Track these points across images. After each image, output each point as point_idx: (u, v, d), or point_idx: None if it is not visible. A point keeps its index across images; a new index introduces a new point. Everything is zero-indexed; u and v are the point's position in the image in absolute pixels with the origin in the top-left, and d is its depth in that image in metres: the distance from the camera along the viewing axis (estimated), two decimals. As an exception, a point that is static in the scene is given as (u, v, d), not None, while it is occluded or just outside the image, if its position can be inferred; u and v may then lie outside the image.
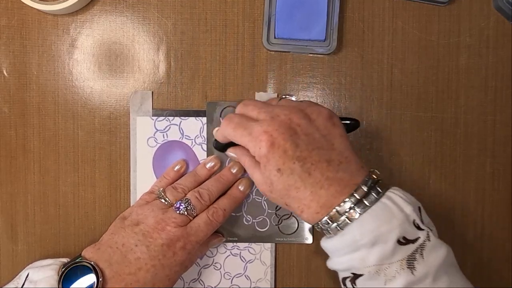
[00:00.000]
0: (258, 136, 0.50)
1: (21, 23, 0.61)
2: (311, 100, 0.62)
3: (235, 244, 0.62)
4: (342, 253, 0.48)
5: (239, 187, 0.60)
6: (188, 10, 0.61)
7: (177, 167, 0.61)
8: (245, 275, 0.62)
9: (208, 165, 0.60)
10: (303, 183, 0.49)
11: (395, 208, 0.47)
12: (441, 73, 0.62)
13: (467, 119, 0.62)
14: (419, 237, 0.47)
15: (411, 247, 0.46)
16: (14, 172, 0.62)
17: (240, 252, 0.62)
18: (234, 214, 0.62)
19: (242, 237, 0.62)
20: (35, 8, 0.59)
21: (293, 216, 0.62)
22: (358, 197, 0.48)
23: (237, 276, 0.62)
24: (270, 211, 0.62)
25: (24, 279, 0.54)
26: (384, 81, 0.62)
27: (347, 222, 0.48)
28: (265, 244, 0.62)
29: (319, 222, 0.49)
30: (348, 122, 0.56)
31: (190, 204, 0.57)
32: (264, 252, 0.62)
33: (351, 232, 0.47)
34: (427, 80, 0.62)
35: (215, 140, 0.58)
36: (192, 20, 0.62)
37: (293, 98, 0.59)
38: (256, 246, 0.62)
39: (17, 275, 0.56)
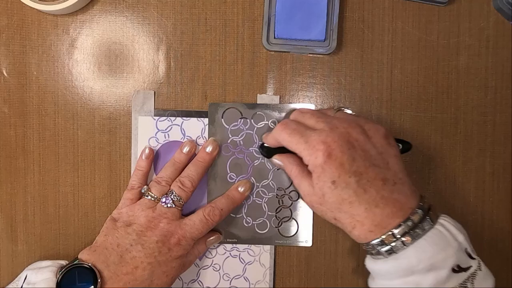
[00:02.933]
0: (316, 145, 0.49)
1: (21, 23, 0.62)
2: (311, 100, 0.62)
3: (234, 245, 0.62)
4: (394, 276, 0.48)
5: (239, 189, 0.60)
6: (188, 10, 0.62)
7: (144, 155, 0.60)
8: (244, 277, 0.62)
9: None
10: (358, 199, 0.48)
11: (449, 236, 0.48)
12: (441, 73, 0.62)
13: (467, 119, 0.62)
14: (471, 266, 0.47)
15: (463, 275, 0.47)
16: (14, 172, 0.62)
17: (240, 254, 0.62)
18: (234, 216, 0.62)
19: (242, 239, 0.62)
20: (35, 8, 0.59)
21: (293, 218, 0.62)
22: (414, 222, 0.47)
23: (236, 277, 0.62)
24: (270, 213, 0.62)
25: (22, 281, 0.54)
26: (384, 81, 0.62)
27: (402, 247, 0.47)
28: (264, 246, 0.62)
29: (370, 242, 0.49)
30: (400, 144, 0.56)
31: (175, 196, 0.57)
32: (263, 254, 0.62)
33: (407, 257, 0.47)
34: (427, 80, 0.62)
35: (262, 144, 0.59)
36: (192, 20, 0.62)
37: (349, 111, 0.58)
38: (255, 248, 0.62)
39: (17, 276, 0.57)
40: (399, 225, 0.47)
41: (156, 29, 0.62)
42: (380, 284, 0.50)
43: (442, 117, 0.62)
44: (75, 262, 0.54)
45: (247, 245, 0.62)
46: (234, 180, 0.61)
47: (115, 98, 0.62)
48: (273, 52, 0.61)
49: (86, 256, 0.55)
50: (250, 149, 0.61)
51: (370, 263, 0.50)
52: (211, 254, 0.62)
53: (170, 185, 0.58)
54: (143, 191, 0.59)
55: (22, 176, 0.62)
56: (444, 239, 0.47)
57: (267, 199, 0.62)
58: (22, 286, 0.54)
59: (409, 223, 0.47)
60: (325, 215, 0.51)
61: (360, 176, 0.48)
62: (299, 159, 0.53)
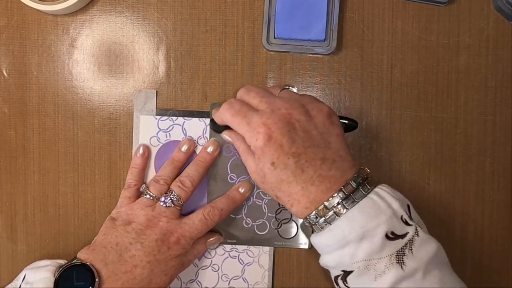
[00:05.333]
0: (256, 127, 0.50)
1: (21, 23, 0.61)
2: (311, 100, 0.62)
3: (234, 246, 0.62)
4: (331, 248, 0.49)
5: (240, 190, 0.60)
6: (187, 10, 0.62)
7: (140, 152, 0.60)
8: (242, 278, 0.62)
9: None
10: (295, 179, 0.49)
11: (382, 204, 0.48)
12: (441, 73, 0.62)
13: (467, 119, 0.62)
14: (408, 232, 0.47)
15: (400, 242, 0.47)
16: (14, 172, 0.62)
17: (239, 255, 0.62)
18: (234, 216, 0.62)
19: (241, 240, 0.62)
20: (35, 8, 0.59)
21: (293, 220, 0.62)
22: (346, 192, 0.48)
23: (234, 278, 0.62)
24: (270, 214, 0.62)
25: (21, 281, 0.54)
26: (383, 81, 0.62)
27: (335, 217, 0.48)
28: (263, 247, 0.62)
29: (308, 217, 0.50)
30: (346, 122, 0.56)
31: (174, 195, 0.57)
32: (262, 255, 0.62)
33: (339, 227, 0.48)
34: (427, 80, 0.62)
35: (212, 120, 0.58)
36: (192, 20, 0.62)
37: (295, 90, 0.59)
38: (254, 249, 0.62)
39: (17, 276, 0.57)
40: (332, 197, 0.48)
41: (156, 29, 0.62)
42: (323, 260, 0.51)
43: (442, 117, 0.62)
44: (73, 261, 0.54)
45: (247, 246, 0.62)
46: (234, 180, 0.62)
47: (115, 98, 0.62)
48: (273, 52, 0.61)
49: (84, 255, 0.55)
50: (250, 149, 0.61)
51: (313, 238, 0.51)
52: (210, 254, 0.62)
53: (168, 184, 0.58)
54: (141, 189, 0.59)
55: (22, 176, 0.62)
56: (376, 207, 0.48)
57: (267, 200, 0.62)
58: (20, 285, 0.54)
59: (341, 194, 0.48)
60: (269, 193, 0.52)
61: (299, 157, 0.49)
62: None
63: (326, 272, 0.62)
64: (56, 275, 0.54)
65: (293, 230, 0.62)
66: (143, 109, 0.62)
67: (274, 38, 0.60)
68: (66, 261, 0.56)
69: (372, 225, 0.47)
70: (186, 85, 0.62)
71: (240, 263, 0.62)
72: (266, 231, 0.62)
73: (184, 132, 0.62)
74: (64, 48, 0.62)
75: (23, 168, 0.62)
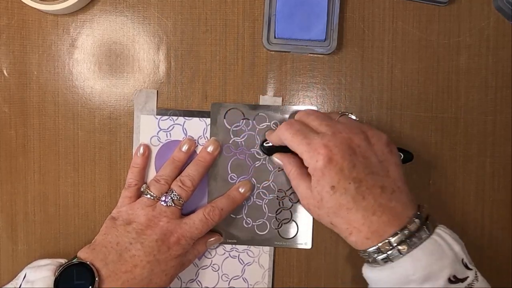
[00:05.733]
0: (317, 148, 0.49)
1: (21, 23, 0.61)
2: (311, 100, 0.62)
3: (234, 246, 0.62)
4: (389, 285, 0.48)
5: (240, 189, 0.60)
6: (188, 10, 0.61)
7: (140, 152, 0.60)
8: (242, 278, 0.62)
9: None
10: (355, 205, 0.48)
11: (445, 246, 0.47)
12: (441, 73, 0.62)
13: (467, 119, 0.62)
14: (468, 277, 0.47)
15: (460, 286, 0.47)
16: (14, 172, 0.62)
17: (239, 255, 0.62)
18: (234, 216, 0.62)
19: (242, 240, 0.62)
20: (35, 8, 0.59)
21: (293, 220, 0.62)
22: (411, 231, 0.47)
23: (234, 278, 0.62)
24: (270, 214, 0.62)
25: (22, 280, 0.54)
26: (384, 81, 0.62)
27: (398, 255, 0.47)
28: (264, 247, 0.62)
29: (367, 250, 0.49)
30: (402, 155, 0.56)
31: (175, 195, 0.57)
32: (262, 255, 0.62)
33: (402, 266, 0.47)
34: (427, 80, 0.62)
35: (264, 142, 0.59)
36: (192, 20, 0.62)
37: (353, 117, 0.58)
38: (255, 249, 0.62)
39: (17, 275, 0.57)
40: (396, 234, 0.47)
41: (157, 29, 0.62)
42: None
43: (442, 117, 0.62)
44: (73, 260, 0.54)
45: (247, 246, 0.62)
46: (235, 180, 0.62)
47: (116, 98, 0.62)
48: (273, 52, 0.61)
49: (84, 255, 0.55)
50: (251, 150, 0.61)
51: (367, 271, 0.50)
52: (210, 254, 0.62)
53: (169, 184, 0.58)
54: (142, 189, 0.59)
55: (23, 175, 0.62)
56: (440, 249, 0.47)
57: (267, 200, 0.62)
58: (21, 285, 0.54)
59: (406, 231, 0.47)
60: (322, 219, 0.51)
61: (360, 183, 0.48)
62: (300, 160, 0.53)
63: (326, 272, 0.63)
64: (56, 274, 0.54)
65: (293, 230, 0.62)
66: (143, 108, 0.62)
67: (275, 38, 0.60)
68: (66, 260, 0.56)
69: (436, 268, 0.46)
70: (186, 85, 0.62)
71: (240, 263, 0.62)
72: (267, 231, 0.62)
73: (185, 131, 0.62)
74: (64, 48, 0.62)
75: (23, 167, 0.62)
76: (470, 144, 0.62)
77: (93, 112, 0.62)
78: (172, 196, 0.57)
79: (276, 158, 0.57)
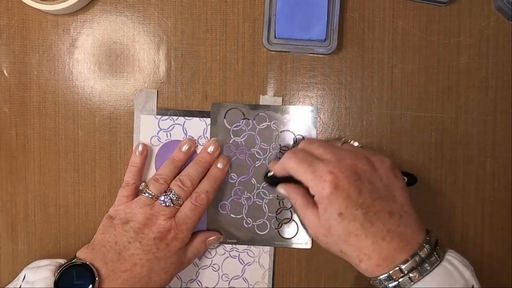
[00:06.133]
0: (323, 175, 0.49)
1: (22, 23, 0.61)
2: (311, 99, 0.62)
3: (234, 246, 0.62)
4: None
5: (218, 165, 0.60)
6: (188, 10, 0.61)
7: (138, 150, 0.60)
8: (243, 278, 0.62)
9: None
10: (364, 231, 0.48)
11: (456, 273, 0.47)
12: (441, 73, 0.62)
13: (467, 119, 0.62)
14: None
15: None
16: (14, 172, 0.62)
17: (239, 254, 0.62)
18: (234, 216, 0.62)
19: (242, 240, 0.62)
20: (35, 8, 0.59)
21: (293, 220, 0.62)
22: (421, 257, 0.47)
23: (235, 278, 0.62)
24: (270, 214, 0.62)
25: (21, 280, 0.54)
26: (384, 81, 0.62)
27: (409, 283, 0.47)
28: (264, 247, 0.62)
29: (378, 277, 0.48)
30: (406, 178, 0.55)
31: (174, 195, 0.57)
32: (263, 255, 0.62)
33: None
34: (427, 80, 0.62)
35: (267, 173, 0.59)
36: (192, 20, 0.62)
37: (356, 144, 0.58)
38: (255, 249, 0.62)
39: (17, 275, 0.57)
40: (407, 260, 0.47)
41: (157, 28, 0.62)
42: None
43: (442, 117, 0.62)
44: (73, 261, 0.54)
45: (247, 246, 0.62)
46: (235, 180, 0.62)
47: (116, 98, 0.62)
48: (273, 52, 0.61)
49: (84, 255, 0.55)
50: (251, 150, 0.61)
51: None
52: (211, 254, 0.62)
53: (168, 183, 0.58)
54: (141, 188, 0.59)
55: (23, 175, 0.62)
56: (451, 276, 0.47)
57: (267, 200, 0.62)
58: (21, 285, 0.54)
59: (417, 258, 0.47)
60: (331, 248, 0.51)
61: (367, 208, 0.48)
62: (305, 189, 0.53)
63: (326, 272, 0.63)
64: (56, 274, 0.54)
65: (294, 230, 0.62)
66: (143, 108, 0.62)
67: (275, 38, 0.60)
68: (66, 261, 0.56)
69: None
70: (186, 85, 0.62)
71: (241, 263, 0.62)
72: (267, 231, 0.62)
73: (185, 131, 0.62)
74: (64, 47, 0.62)
75: (23, 167, 0.62)
76: (470, 144, 0.62)
77: (93, 112, 0.62)
78: (171, 196, 0.57)
79: (281, 189, 0.57)
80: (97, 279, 0.53)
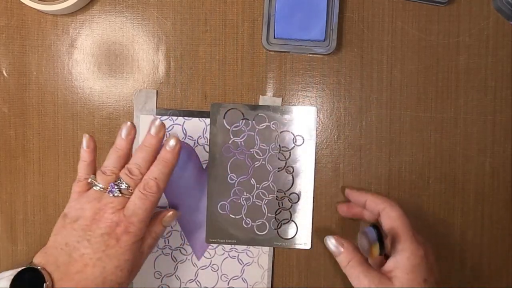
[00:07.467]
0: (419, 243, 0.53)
1: (21, 23, 0.61)
2: (310, 99, 0.62)
3: (233, 246, 0.62)
4: None
5: (167, 148, 0.54)
6: (187, 10, 0.61)
7: (85, 144, 0.56)
8: (242, 278, 0.62)
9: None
10: None
11: None
12: (441, 73, 0.62)
13: (467, 119, 0.62)
14: None
15: None
16: (14, 172, 0.62)
17: (238, 255, 0.62)
18: (233, 217, 0.62)
19: (241, 240, 0.62)
20: (34, 8, 0.59)
21: (292, 221, 0.62)
22: None
23: (234, 278, 0.62)
24: (269, 215, 0.62)
25: None
26: (383, 81, 0.62)
27: None
28: (263, 247, 0.62)
29: None
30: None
31: (123, 183, 0.53)
32: (262, 255, 0.62)
33: None
34: (427, 80, 0.62)
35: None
36: (192, 20, 0.62)
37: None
38: (254, 249, 0.62)
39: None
40: None
41: (156, 29, 0.62)
42: None
43: (442, 117, 0.62)
44: (26, 267, 0.51)
45: (246, 246, 0.62)
46: (234, 181, 0.62)
47: (115, 98, 0.62)
48: (272, 52, 0.61)
49: (39, 259, 0.52)
50: (251, 150, 0.61)
51: None
52: (210, 254, 0.62)
53: (116, 174, 0.54)
54: (89, 181, 0.55)
55: (22, 176, 0.62)
56: None
57: (267, 200, 0.62)
58: None
59: None
60: None
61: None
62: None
63: (325, 272, 0.63)
64: (10, 283, 0.51)
65: (293, 231, 0.62)
66: (143, 109, 0.62)
67: (274, 38, 0.60)
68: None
69: None
70: (186, 85, 0.62)
71: (240, 263, 0.62)
72: (266, 231, 0.62)
73: (184, 132, 0.62)
74: (64, 48, 0.62)
75: (23, 168, 0.62)
76: (470, 144, 0.62)
77: (93, 112, 0.62)
78: (119, 185, 0.53)
79: (333, 241, 0.55)
80: (47, 283, 0.50)
